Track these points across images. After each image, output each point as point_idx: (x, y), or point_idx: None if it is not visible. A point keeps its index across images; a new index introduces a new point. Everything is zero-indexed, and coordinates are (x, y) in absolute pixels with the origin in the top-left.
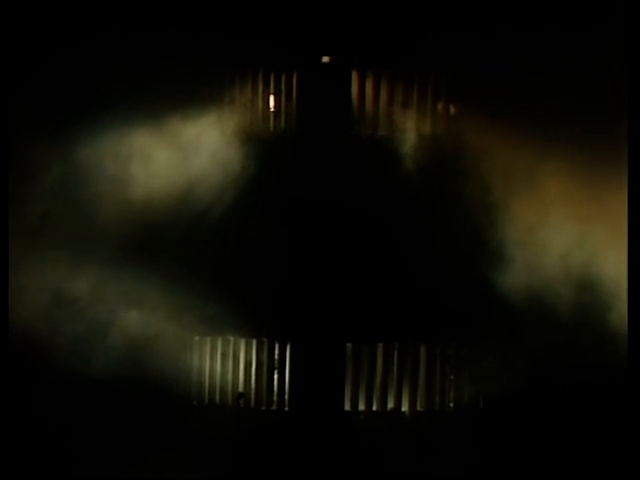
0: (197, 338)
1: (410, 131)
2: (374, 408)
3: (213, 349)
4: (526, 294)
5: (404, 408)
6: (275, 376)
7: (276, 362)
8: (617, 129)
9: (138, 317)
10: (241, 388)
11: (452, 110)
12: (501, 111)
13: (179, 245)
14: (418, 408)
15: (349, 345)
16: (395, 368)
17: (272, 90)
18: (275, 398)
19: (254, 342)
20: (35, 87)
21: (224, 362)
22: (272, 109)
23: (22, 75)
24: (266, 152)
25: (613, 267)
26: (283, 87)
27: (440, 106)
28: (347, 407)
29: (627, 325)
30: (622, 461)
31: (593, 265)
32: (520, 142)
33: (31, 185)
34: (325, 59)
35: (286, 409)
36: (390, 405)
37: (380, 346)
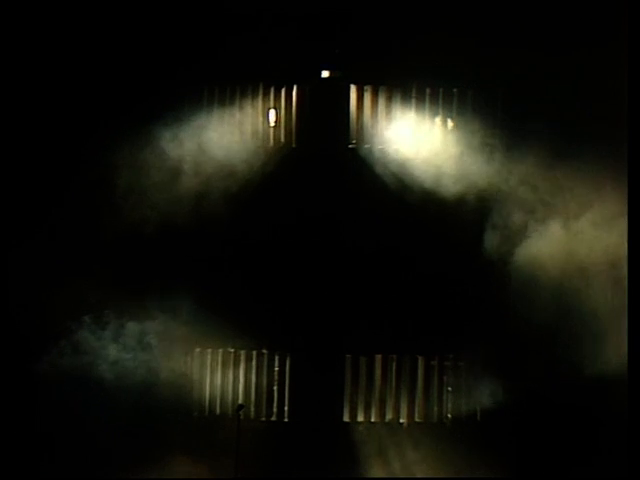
0: (198, 349)
1: (408, 144)
2: (373, 419)
3: (214, 361)
4: (524, 307)
5: (402, 419)
6: (275, 387)
7: (276, 374)
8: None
9: (140, 329)
10: (241, 399)
11: (449, 124)
12: (497, 124)
13: (180, 259)
14: (416, 419)
15: (348, 357)
16: (393, 379)
17: (272, 104)
18: (275, 409)
19: (254, 354)
20: None
21: (224, 374)
22: (272, 123)
23: None
24: (266, 166)
25: (614, 283)
26: (283, 101)
27: (437, 120)
28: (346, 418)
29: (627, 334)
30: (620, 473)
31: (592, 281)
32: (518, 154)
33: None
34: (324, 74)
35: (286, 420)
36: (389, 416)
37: (378, 358)
